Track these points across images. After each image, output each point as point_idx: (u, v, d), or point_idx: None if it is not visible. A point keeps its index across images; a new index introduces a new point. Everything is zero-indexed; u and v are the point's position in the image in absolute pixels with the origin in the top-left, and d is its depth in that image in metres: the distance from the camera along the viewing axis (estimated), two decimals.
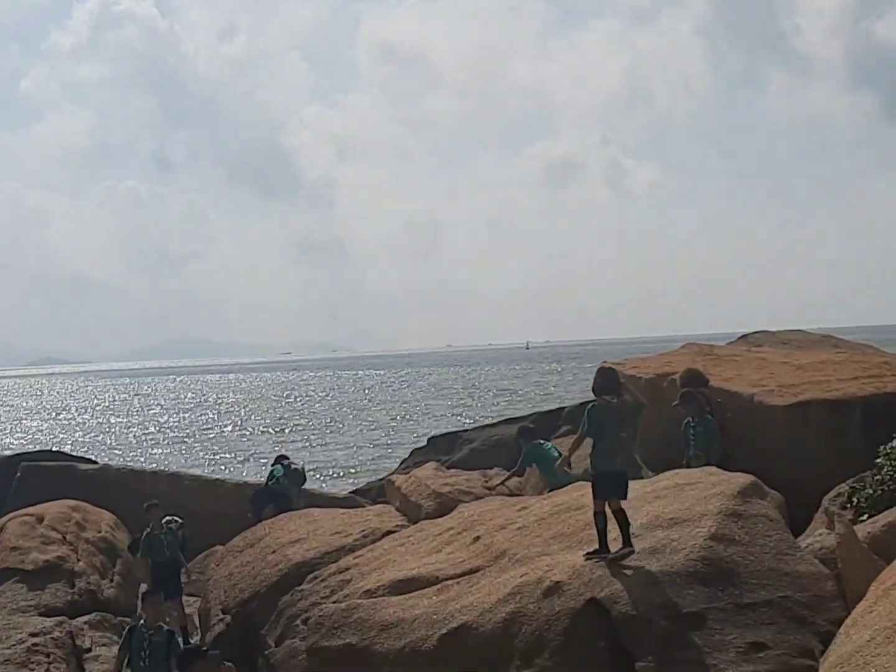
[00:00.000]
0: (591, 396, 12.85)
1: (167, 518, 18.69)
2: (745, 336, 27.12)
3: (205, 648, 9.92)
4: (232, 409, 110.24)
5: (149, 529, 17.95)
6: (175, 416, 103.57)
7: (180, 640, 16.41)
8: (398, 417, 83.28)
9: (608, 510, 11.45)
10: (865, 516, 13.19)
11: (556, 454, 17.32)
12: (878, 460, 13.92)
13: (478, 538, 13.39)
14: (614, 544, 11.37)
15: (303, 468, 21.46)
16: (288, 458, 21.50)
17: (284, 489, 20.52)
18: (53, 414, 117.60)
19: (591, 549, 11.49)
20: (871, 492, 13.58)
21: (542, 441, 18.49)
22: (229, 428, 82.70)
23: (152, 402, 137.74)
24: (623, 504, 11.53)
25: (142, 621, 13.08)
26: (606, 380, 12.47)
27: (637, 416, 16.48)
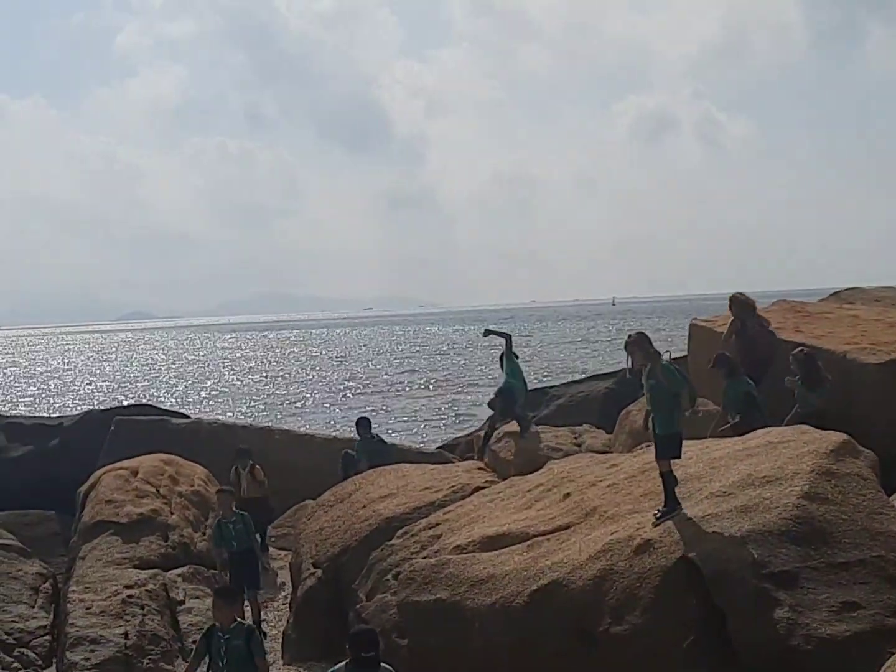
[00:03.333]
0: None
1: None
2: (837, 293, 26.86)
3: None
4: (317, 364, 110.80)
5: (218, 516, 17.17)
6: (261, 370, 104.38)
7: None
8: (482, 374, 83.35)
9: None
10: None
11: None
12: None
13: (568, 495, 13.42)
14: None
15: (378, 438, 21.18)
16: (368, 421, 21.25)
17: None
18: (144, 368, 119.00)
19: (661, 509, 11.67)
20: None
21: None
22: (314, 383, 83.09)
23: (238, 356, 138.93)
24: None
25: (216, 625, 11.61)
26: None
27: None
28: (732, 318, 18.16)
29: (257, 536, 17.88)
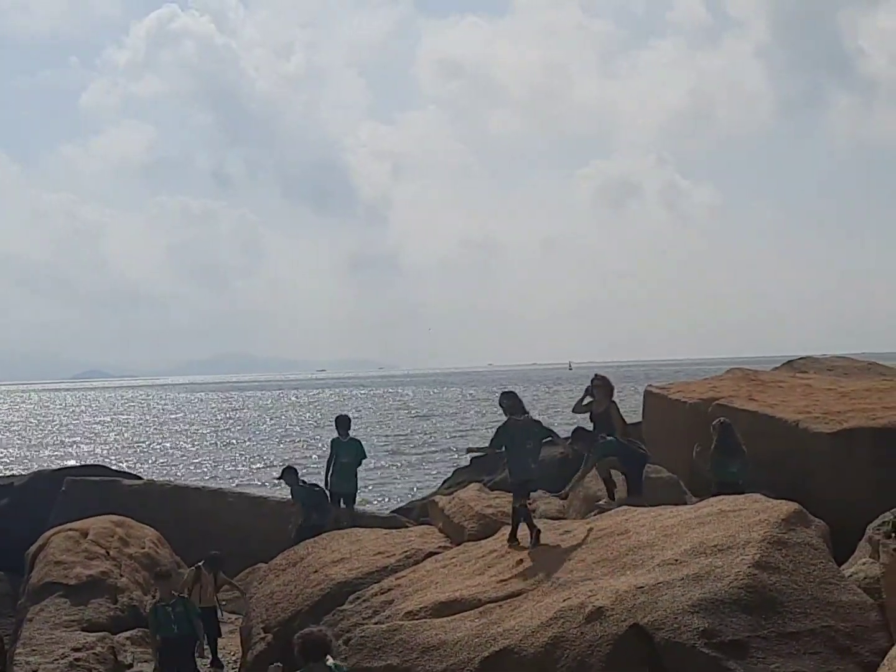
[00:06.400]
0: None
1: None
2: (790, 362, 27.09)
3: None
4: (279, 426, 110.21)
5: (155, 600, 16.26)
6: (215, 431, 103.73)
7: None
8: (438, 436, 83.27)
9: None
10: None
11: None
12: None
13: (521, 561, 13.39)
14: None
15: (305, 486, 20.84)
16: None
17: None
18: (98, 428, 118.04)
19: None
20: None
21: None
22: (276, 446, 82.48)
23: (191, 416, 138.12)
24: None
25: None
26: (514, 402, 14.88)
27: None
28: (608, 398, 17.79)
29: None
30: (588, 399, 17.49)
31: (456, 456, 61.49)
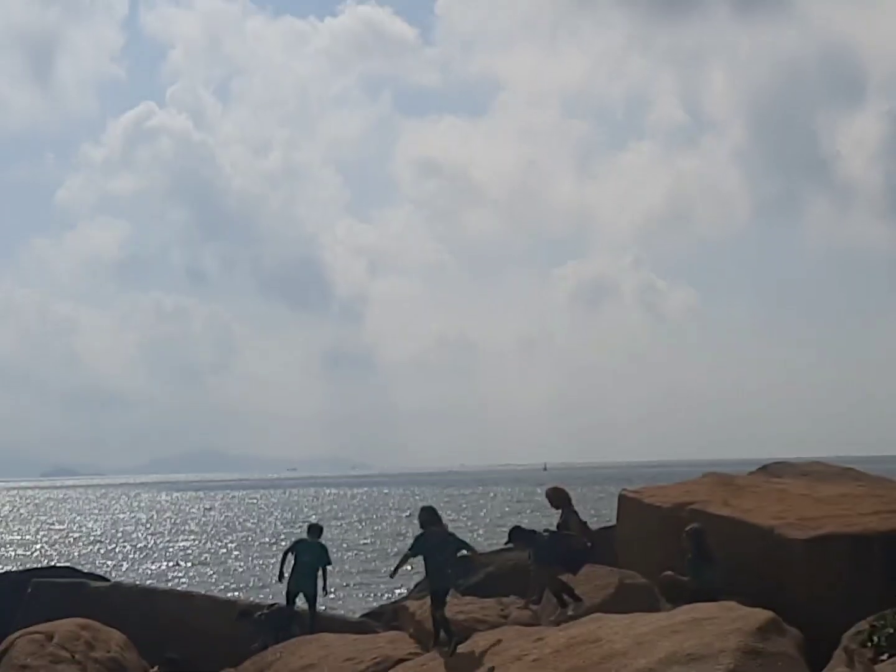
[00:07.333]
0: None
1: None
2: (765, 466, 27.07)
3: None
4: (248, 528, 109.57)
5: None
6: (183, 532, 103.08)
7: None
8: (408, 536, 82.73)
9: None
10: (886, 656, 12.96)
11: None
12: None
13: (492, 669, 13.23)
14: None
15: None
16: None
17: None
18: (64, 528, 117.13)
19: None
20: (891, 630, 13.35)
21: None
22: (244, 549, 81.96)
23: (159, 517, 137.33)
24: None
25: None
26: (430, 515, 16.44)
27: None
28: (567, 508, 18.95)
29: None
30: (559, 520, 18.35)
31: None
